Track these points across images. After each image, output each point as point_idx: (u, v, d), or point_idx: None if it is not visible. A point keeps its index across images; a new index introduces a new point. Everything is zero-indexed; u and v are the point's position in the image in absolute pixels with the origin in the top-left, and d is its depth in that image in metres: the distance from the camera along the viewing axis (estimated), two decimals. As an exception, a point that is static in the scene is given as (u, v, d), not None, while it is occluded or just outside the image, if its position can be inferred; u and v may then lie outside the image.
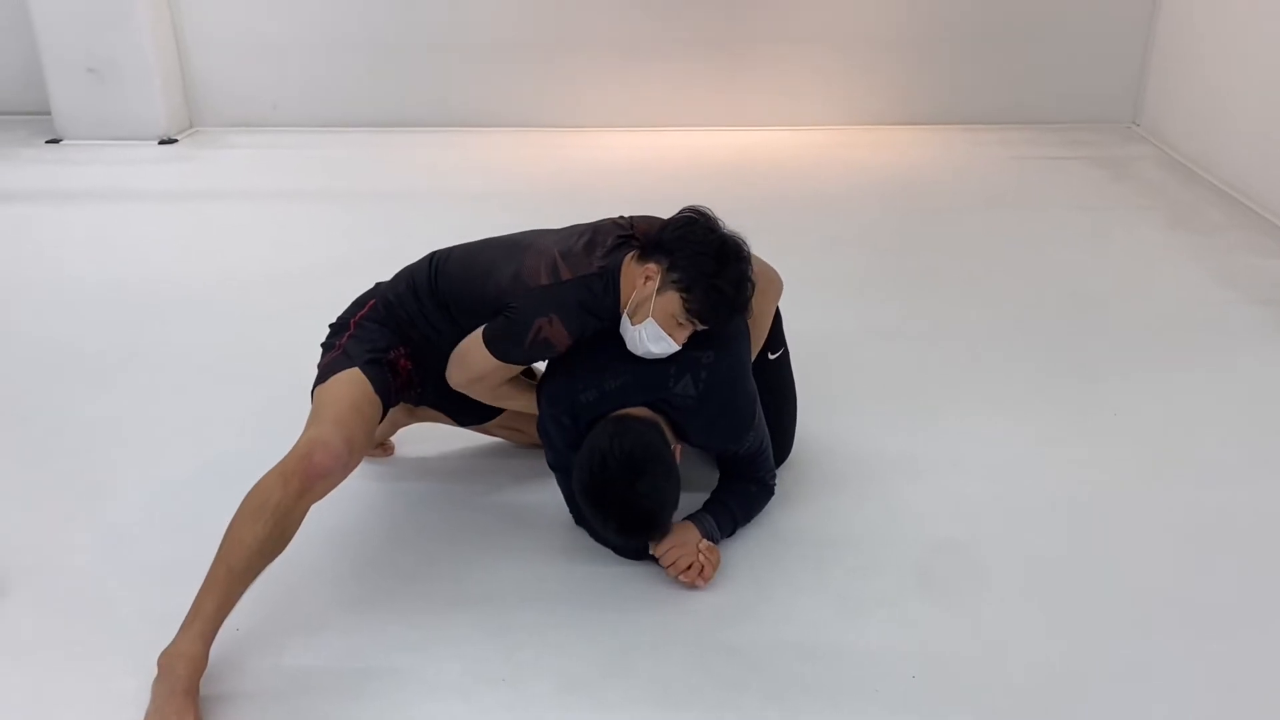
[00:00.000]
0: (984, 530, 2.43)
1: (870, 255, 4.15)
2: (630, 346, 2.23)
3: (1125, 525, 2.45)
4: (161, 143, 5.76)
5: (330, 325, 2.39)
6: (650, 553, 2.24)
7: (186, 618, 1.91)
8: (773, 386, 2.43)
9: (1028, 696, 1.95)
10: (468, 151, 5.65)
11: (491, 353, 2.23)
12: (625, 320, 2.23)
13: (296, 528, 2.01)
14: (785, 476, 2.57)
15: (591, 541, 2.35)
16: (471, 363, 2.27)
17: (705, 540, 2.24)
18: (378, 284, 2.45)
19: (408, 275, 2.39)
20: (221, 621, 1.93)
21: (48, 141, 5.76)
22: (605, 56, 5.93)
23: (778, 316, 2.56)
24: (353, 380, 2.20)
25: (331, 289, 3.76)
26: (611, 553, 2.32)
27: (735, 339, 2.32)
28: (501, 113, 6.01)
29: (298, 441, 2.08)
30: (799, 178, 5.09)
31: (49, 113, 5.82)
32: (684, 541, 2.22)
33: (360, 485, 2.60)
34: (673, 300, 2.18)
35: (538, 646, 2.07)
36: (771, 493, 2.44)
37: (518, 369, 2.31)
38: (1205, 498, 2.55)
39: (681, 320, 2.19)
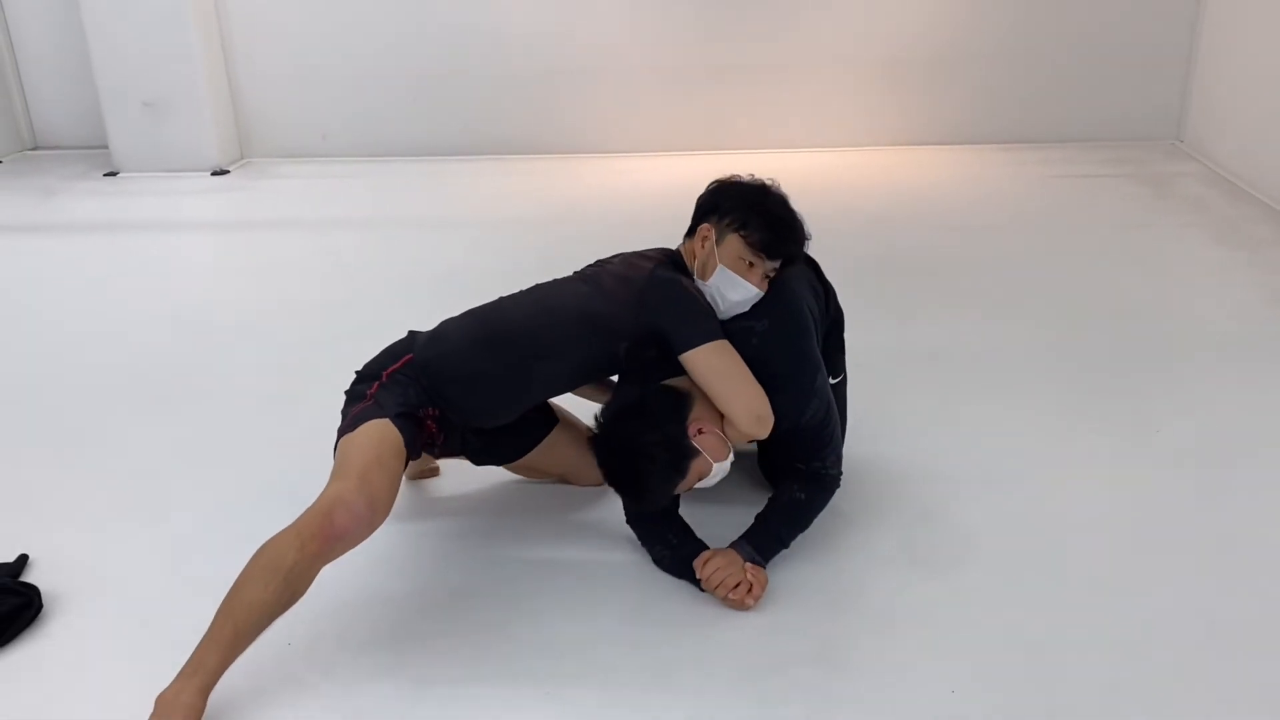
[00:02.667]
0: (1026, 548, 2.43)
1: (911, 275, 4.16)
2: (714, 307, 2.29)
3: (1168, 544, 2.44)
4: (214, 174, 5.92)
5: (357, 373, 2.35)
6: (696, 576, 2.26)
7: (187, 667, 1.89)
8: None
9: (1069, 713, 1.95)
10: (512, 178, 5.74)
11: (707, 342, 2.19)
12: (702, 287, 2.30)
13: (308, 586, 1.96)
14: (828, 497, 2.60)
15: (636, 562, 2.39)
16: (721, 370, 2.18)
17: (750, 563, 2.25)
18: (411, 333, 2.41)
19: (438, 350, 2.32)
20: (222, 674, 1.90)
21: (105, 174, 5.94)
22: (642, 83, 6.01)
23: (842, 344, 2.58)
24: (382, 432, 2.13)
25: (381, 314, 3.87)
26: (655, 571, 2.35)
27: (795, 307, 2.32)
28: (545, 139, 6.10)
29: (319, 498, 2.03)
30: (837, 199, 5.11)
31: (106, 146, 6.01)
32: (730, 562, 2.24)
33: (404, 509, 2.66)
34: (734, 242, 2.27)
35: (581, 661, 2.10)
36: (835, 483, 2.39)
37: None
38: (1249, 516, 2.53)
39: (750, 258, 2.26)
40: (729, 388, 2.19)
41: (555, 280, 2.42)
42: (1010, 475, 2.73)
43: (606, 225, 4.80)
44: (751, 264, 2.27)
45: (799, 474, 2.36)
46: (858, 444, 2.75)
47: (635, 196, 5.28)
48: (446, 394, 2.28)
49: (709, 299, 2.29)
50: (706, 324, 2.21)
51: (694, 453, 2.17)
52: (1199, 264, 4.21)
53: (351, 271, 4.40)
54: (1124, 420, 2.99)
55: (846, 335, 2.60)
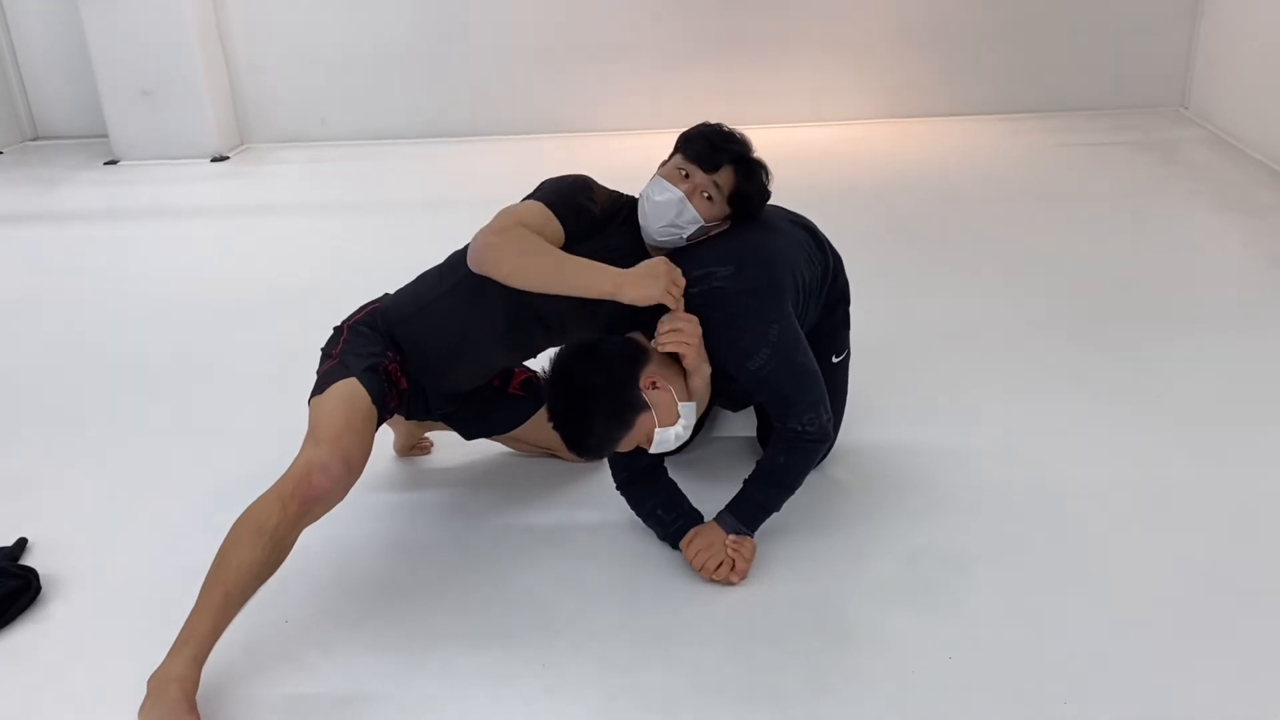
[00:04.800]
0: (1028, 517, 2.42)
1: (914, 247, 4.14)
2: (641, 219, 2.29)
3: (1173, 509, 2.42)
4: (214, 160, 5.92)
5: (334, 328, 2.38)
6: (686, 559, 2.25)
7: (178, 640, 1.89)
8: (828, 388, 2.34)
9: (1069, 678, 1.94)
10: (513, 158, 5.73)
11: (542, 197, 2.24)
12: (639, 196, 2.33)
13: (291, 548, 1.99)
14: (828, 470, 2.58)
15: (631, 536, 2.38)
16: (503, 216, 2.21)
17: (732, 536, 2.24)
18: (385, 295, 2.45)
19: (396, 298, 2.40)
20: (214, 644, 1.91)
21: (106, 163, 5.95)
22: (642, 61, 5.98)
23: (848, 320, 2.57)
24: (350, 393, 2.15)
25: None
26: (650, 547, 2.35)
27: (768, 262, 2.24)
28: (546, 119, 6.08)
29: (294, 462, 2.06)
30: (840, 173, 5.09)
31: (106, 135, 6.01)
32: (710, 542, 2.23)
33: (397, 484, 2.67)
34: (673, 159, 2.31)
35: (578, 634, 2.10)
36: (816, 447, 2.26)
37: (544, 218, 2.19)
38: (1255, 480, 2.52)
39: (686, 169, 2.26)
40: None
41: None
42: (1012, 443, 2.72)
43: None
44: (687, 175, 2.26)
45: (779, 436, 2.27)
46: (857, 414, 2.74)
47: (636, 174, 5.23)
48: (401, 340, 2.30)
49: (640, 210, 2.30)
50: (560, 185, 2.28)
51: (641, 405, 2.06)
52: (1204, 229, 4.17)
53: (352, 255, 4.39)
54: (1128, 387, 2.97)
55: (852, 306, 2.58)
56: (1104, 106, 5.85)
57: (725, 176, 2.26)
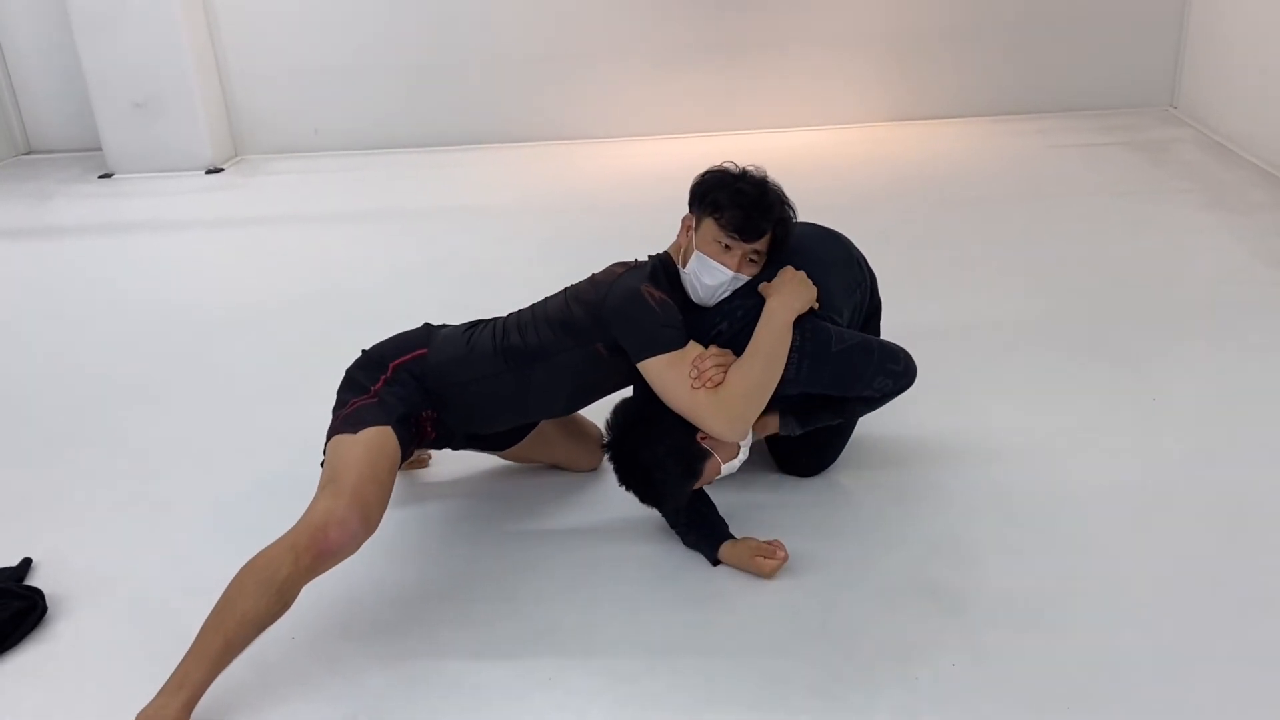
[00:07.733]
0: (1026, 519, 2.43)
1: (908, 250, 4.14)
2: (693, 296, 2.31)
3: (1169, 509, 2.44)
4: (208, 172, 5.92)
5: (365, 352, 2.38)
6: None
7: (172, 681, 1.87)
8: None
9: (1070, 683, 1.95)
10: (507, 166, 5.74)
11: (660, 353, 2.16)
12: (683, 275, 2.31)
13: (295, 599, 1.96)
14: (831, 475, 2.61)
15: (637, 544, 2.40)
16: (675, 384, 2.15)
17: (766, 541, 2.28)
18: (427, 326, 2.45)
19: (450, 355, 2.34)
20: (207, 688, 1.89)
21: (100, 176, 5.95)
22: (634, 67, 5.99)
23: (878, 333, 2.60)
24: (382, 442, 2.14)
25: (377, 306, 3.86)
26: (655, 556, 2.36)
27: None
28: (539, 126, 6.09)
29: (311, 508, 2.03)
30: (835, 176, 5.10)
31: (100, 149, 6.01)
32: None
33: (401, 497, 2.68)
34: (709, 226, 2.27)
35: (584, 646, 2.11)
36: (887, 389, 2.33)
37: (694, 347, 2.19)
38: (1249, 479, 2.54)
39: (725, 241, 2.25)
40: (686, 400, 2.16)
41: (554, 294, 2.43)
42: (1009, 447, 2.73)
43: (603, 211, 4.80)
44: (728, 246, 2.26)
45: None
46: (860, 419, 2.75)
47: (632, 181, 5.26)
48: (449, 398, 2.32)
49: (689, 287, 2.30)
50: (660, 334, 2.18)
51: (705, 455, 2.19)
52: (1195, 229, 4.19)
53: (347, 264, 4.40)
54: (1121, 387, 2.99)
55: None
56: (1093, 107, 5.88)
57: (765, 239, 2.29)
